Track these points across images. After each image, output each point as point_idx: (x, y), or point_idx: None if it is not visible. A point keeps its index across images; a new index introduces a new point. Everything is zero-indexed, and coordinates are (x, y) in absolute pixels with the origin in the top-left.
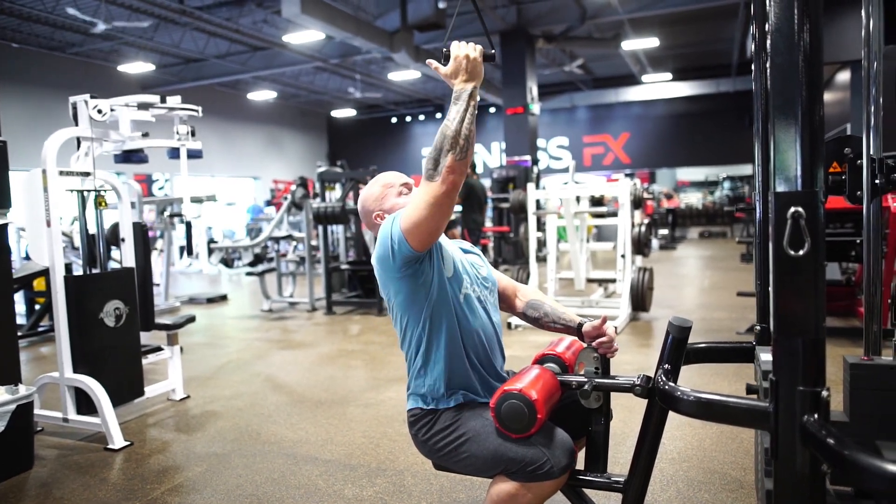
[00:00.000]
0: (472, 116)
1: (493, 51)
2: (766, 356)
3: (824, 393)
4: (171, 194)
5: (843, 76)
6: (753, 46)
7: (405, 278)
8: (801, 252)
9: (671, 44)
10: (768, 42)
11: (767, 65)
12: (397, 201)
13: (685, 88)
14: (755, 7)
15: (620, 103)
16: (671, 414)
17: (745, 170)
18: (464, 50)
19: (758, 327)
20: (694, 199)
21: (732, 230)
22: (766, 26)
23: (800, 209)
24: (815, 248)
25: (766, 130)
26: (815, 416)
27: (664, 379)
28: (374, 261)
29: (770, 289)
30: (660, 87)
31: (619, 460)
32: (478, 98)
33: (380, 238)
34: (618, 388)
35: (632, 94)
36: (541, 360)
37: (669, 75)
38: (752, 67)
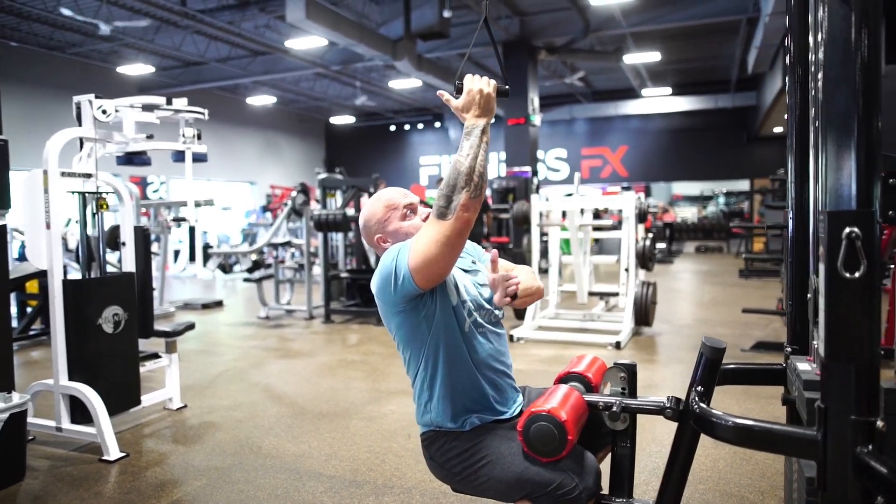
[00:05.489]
0: (485, 153)
1: (507, 87)
2: (803, 366)
3: (879, 423)
4: (165, 197)
5: None
6: (787, 60)
7: (405, 312)
8: (856, 274)
9: (672, 59)
10: (820, 55)
11: (819, 77)
12: (401, 225)
13: (684, 103)
14: (790, 20)
15: (619, 116)
16: (671, 429)
17: (742, 185)
18: (477, 84)
19: (788, 349)
20: (689, 213)
21: (729, 245)
22: (813, 38)
23: (856, 230)
24: (872, 269)
25: (801, 146)
26: (870, 447)
27: (699, 402)
28: (373, 290)
29: (813, 309)
30: (659, 101)
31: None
32: (489, 134)
33: (382, 269)
34: (647, 411)
35: (631, 107)
36: (564, 379)
37: (669, 90)
38: (787, 81)
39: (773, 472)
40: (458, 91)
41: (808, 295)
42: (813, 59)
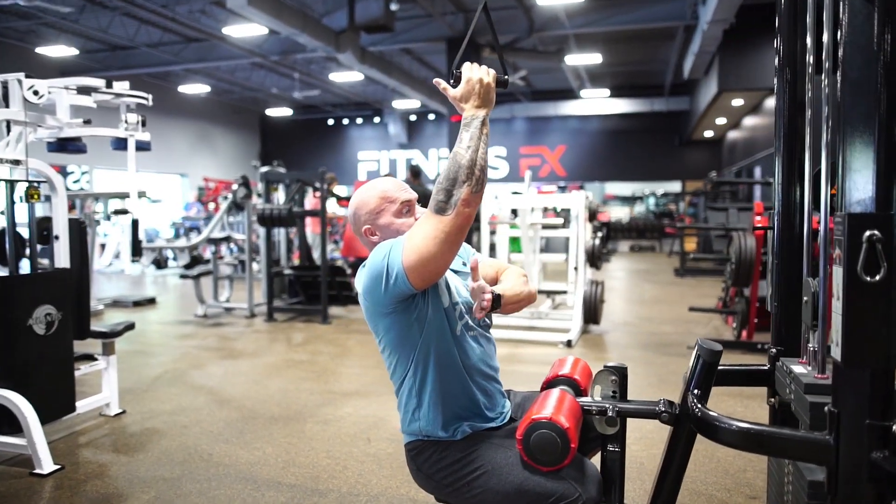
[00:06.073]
0: (485, 145)
1: (506, 77)
2: (798, 369)
3: (895, 427)
4: (87, 189)
5: (773, 102)
6: (776, 62)
7: (396, 313)
8: (877, 277)
9: (611, 61)
10: (840, 55)
11: (838, 77)
12: (394, 220)
13: (621, 105)
14: (779, 22)
15: (558, 116)
16: (635, 428)
17: (674, 186)
18: (477, 73)
19: (773, 350)
20: (622, 213)
21: (661, 244)
22: (835, 36)
23: (876, 232)
24: (892, 273)
25: (789, 148)
26: (886, 451)
27: (699, 406)
28: (360, 290)
29: (812, 312)
30: (597, 102)
31: None
32: (489, 126)
33: (371, 267)
34: (641, 414)
35: (569, 108)
36: (552, 383)
37: (607, 91)
38: (775, 81)
39: (736, 469)
40: (456, 80)
41: (805, 298)
42: (812, 60)
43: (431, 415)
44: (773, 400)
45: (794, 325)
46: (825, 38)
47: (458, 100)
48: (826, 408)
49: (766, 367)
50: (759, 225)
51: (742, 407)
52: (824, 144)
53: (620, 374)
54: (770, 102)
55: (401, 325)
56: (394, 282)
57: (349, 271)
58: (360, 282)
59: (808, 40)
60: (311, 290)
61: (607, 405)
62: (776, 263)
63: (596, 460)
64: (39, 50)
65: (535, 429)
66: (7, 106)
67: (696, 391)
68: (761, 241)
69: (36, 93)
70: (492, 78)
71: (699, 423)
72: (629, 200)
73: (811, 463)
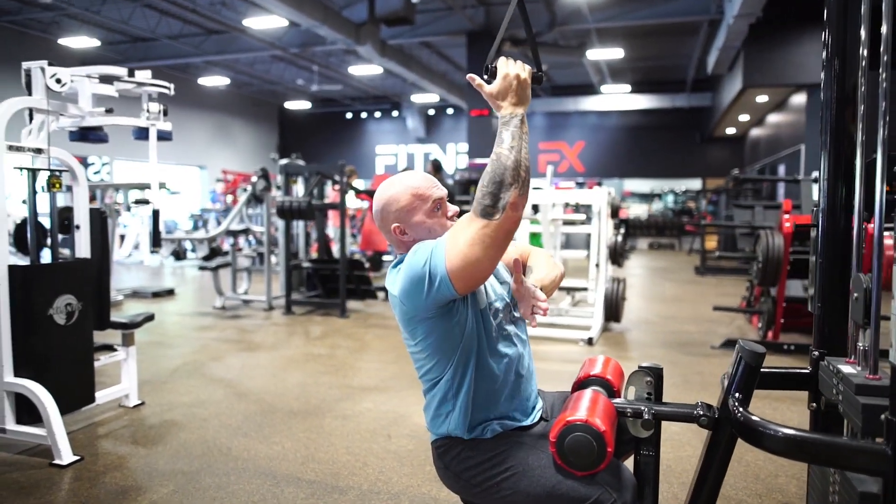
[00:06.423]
0: (526, 144)
1: (541, 73)
2: (847, 369)
3: None
4: (108, 180)
5: (799, 98)
6: (824, 55)
7: (436, 318)
8: None
9: (633, 56)
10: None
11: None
12: (426, 220)
13: (642, 101)
14: (828, 13)
15: (578, 112)
16: (661, 429)
17: (694, 184)
18: (514, 69)
19: (815, 352)
20: (640, 210)
21: (680, 242)
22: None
23: None
24: None
25: (836, 144)
26: None
27: (742, 410)
28: (397, 294)
29: (864, 311)
30: (617, 98)
31: None
32: (527, 124)
33: (410, 270)
34: (678, 418)
35: (589, 103)
36: (584, 383)
37: (628, 87)
38: (822, 75)
39: (767, 473)
40: (491, 75)
41: (856, 295)
42: (867, 52)
43: (462, 415)
44: (814, 405)
45: (839, 326)
46: (884, 28)
47: (493, 96)
48: (883, 416)
49: (807, 370)
50: (802, 223)
51: (771, 409)
52: (880, 140)
53: (655, 374)
54: (796, 99)
55: (441, 329)
56: (437, 287)
57: (367, 265)
58: (394, 284)
59: (862, 31)
60: (330, 283)
61: (643, 407)
62: (820, 263)
63: (628, 463)
64: (62, 41)
65: (569, 431)
66: (30, 94)
67: (737, 394)
68: (790, 239)
69: (59, 81)
70: (528, 74)
71: (741, 428)
72: (648, 197)
73: (865, 474)
